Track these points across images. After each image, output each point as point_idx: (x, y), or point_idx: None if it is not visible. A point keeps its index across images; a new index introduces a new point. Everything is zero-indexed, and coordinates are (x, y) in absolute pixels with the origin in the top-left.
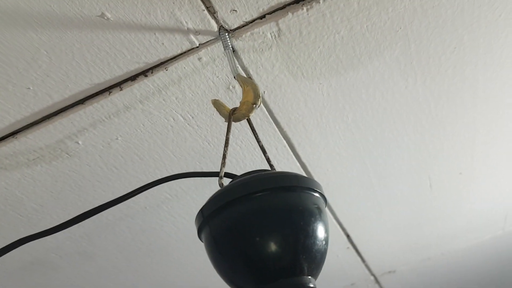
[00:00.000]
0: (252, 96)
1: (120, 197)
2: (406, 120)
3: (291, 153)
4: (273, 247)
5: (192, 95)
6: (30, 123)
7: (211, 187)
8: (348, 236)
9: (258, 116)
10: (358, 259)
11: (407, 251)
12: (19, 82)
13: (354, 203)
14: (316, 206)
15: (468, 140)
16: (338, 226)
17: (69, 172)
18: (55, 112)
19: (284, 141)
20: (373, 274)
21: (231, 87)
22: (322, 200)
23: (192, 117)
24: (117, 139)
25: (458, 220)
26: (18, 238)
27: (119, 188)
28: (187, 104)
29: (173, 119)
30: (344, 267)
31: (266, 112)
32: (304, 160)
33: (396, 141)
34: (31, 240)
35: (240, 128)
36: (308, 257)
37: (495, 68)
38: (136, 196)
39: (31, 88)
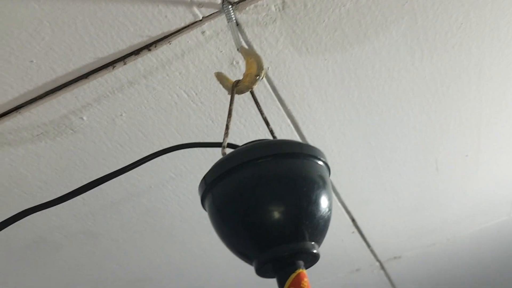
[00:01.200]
0: (256, 67)
1: (124, 167)
2: (412, 99)
3: (295, 133)
4: (275, 213)
5: (195, 70)
6: (34, 98)
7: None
8: (353, 220)
9: (262, 93)
10: (363, 244)
11: (413, 236)
12: (22, 54)
13: (359, 186)
14: (319, 173)
15: (474, 120)
16: (343, 210)
17: (74, 148)
18: (59, 86)
19: (288, 120)
20: (378, 260)
21: (234, 62)
22: (325, 168)
23: (196, 94)
24: (121, 115)
25: (464, 204)
26: (15, 213)
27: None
28: (190, 80)
29: (177, 95)
30: (349, 252)
31: (270, 90)
32: (308, 140)
33: (402, 121)
34: (34, 212)
35: (243, 105)
36: (311, 224)
37: (501, 46)
38: (141, 175)
39: (34, 61)
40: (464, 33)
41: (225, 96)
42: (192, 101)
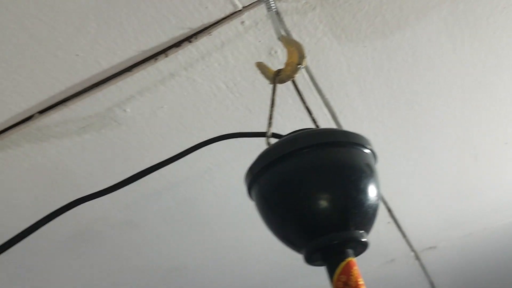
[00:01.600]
0: (297, 56)
1: (172, 157)
2: (453, 86)
3: (332, 122)
4: (324, 202)
5: (234, 61)
6: (80, 91)
7: (253, 156)
8: (389, 210)
9: (300, 82)
10: (399, 234)
11: (449, 226)
12: (68, 48)
13: (396, 176)
14: (366, 162)
15: None
16: None
17: (118, 140)
18: (104, 79)
19: (326, 109)
20: (413, 250)
21: (273, 52)
22: (372, 156)
23: (234, 84)
24: (162, 107)
25: (502, 193)
26: (67, 203)
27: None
28: (229, 71)
29: (216, 86)
30: (384, 243)
31: (308, 78)
32: (345, 129)
33: (441, 109)
34: (87, 200)
35: (280, 95)
36: (360, 212)
37: None
38: (179, 166)
39: (80, 54)
40: (506, 17)
41: (262, 86)
42: (230, 92)
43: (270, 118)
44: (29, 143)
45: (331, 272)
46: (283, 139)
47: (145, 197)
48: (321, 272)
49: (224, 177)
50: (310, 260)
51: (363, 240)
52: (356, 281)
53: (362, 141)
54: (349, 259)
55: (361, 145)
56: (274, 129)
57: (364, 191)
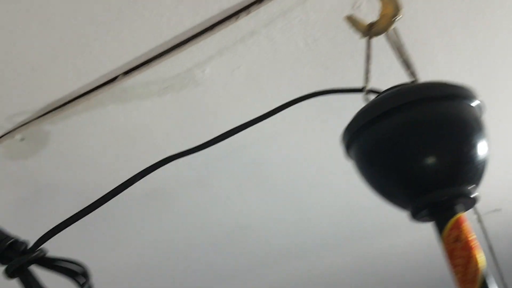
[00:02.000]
0: (392, 8)
1: (262, 115)
2: None
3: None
4: (433, 158)
5: (315, 16)
6: (162, 52)
7: (323, 118)
8: None
9: (380, 37)
10: None
11: None
12: (155, 8)
13: None
14: (475, 115)
15: None
16: None
17: (195, 101)
18: (185, 40)
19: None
20: (476, 213)
21: (356, 6)
22: (480, 110)
23: (314, 41)
24: (239, 67)
25: None
26: (159, 160)
27: (238, 119)
28: (309, 27)
29: (294, 43)
30: None
31: (391, 32)
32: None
33: None
34: (177, 158)
35: (362, 50)
36: (471, 168)
37: None
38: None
39: (165, 15)
40: None
41: (342, 43)
42: (308, 49)
43: (367, 73)
44: (113, 103)
45: (440, 228)
46: (385, 94)
47: (216, 157)
48: (380, 234)
49: (293, 141)
50: (417, 216)
51: (473, 196)
52: (467, 237)
53: (470, 93)
54: (459, 214)
55: (469, 97)
56: (352, 84)
57: (474, 146)
